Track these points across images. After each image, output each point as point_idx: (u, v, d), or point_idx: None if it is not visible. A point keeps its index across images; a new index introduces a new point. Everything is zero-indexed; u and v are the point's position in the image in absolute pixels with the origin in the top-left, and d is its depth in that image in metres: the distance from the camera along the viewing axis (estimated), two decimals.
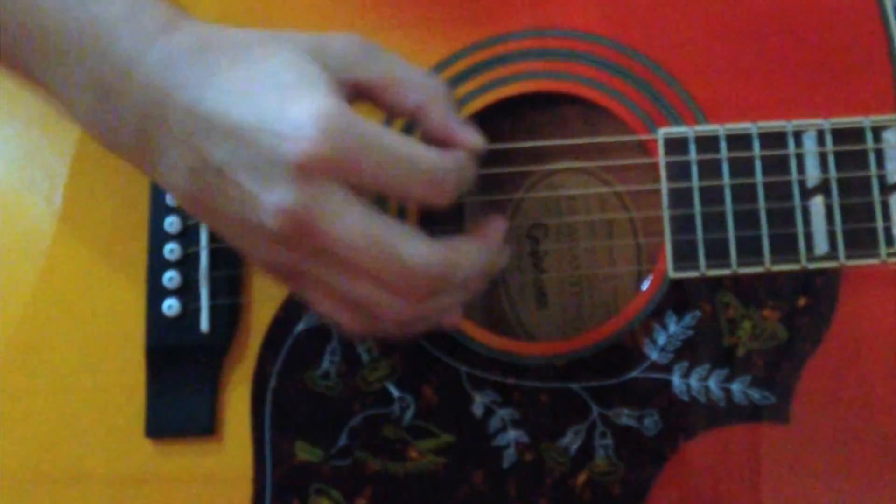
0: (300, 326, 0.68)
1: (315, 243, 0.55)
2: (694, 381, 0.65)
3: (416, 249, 0.57)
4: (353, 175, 0.55)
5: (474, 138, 0.62)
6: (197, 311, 0.68)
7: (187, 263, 0.69)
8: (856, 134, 0.64)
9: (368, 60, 0.61)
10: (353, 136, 0.55)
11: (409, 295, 0.58)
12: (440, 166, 0.58)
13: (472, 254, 0.61)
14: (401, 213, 0.68)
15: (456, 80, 0.69)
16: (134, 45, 0.58)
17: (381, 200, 0.67)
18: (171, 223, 0.69)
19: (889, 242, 0.63)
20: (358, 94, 0.61)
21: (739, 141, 0.65)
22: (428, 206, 0.59)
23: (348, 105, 0.56)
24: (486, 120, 0.72)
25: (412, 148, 0.57)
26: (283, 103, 0.55)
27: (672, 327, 0.65)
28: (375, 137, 0.56)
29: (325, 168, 0.54)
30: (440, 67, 0.69)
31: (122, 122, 0.59)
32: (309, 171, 0.54)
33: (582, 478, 0.65)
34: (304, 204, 0.54)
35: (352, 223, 0.55)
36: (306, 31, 0.61)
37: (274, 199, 0.54)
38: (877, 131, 0.64)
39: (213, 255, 0.69)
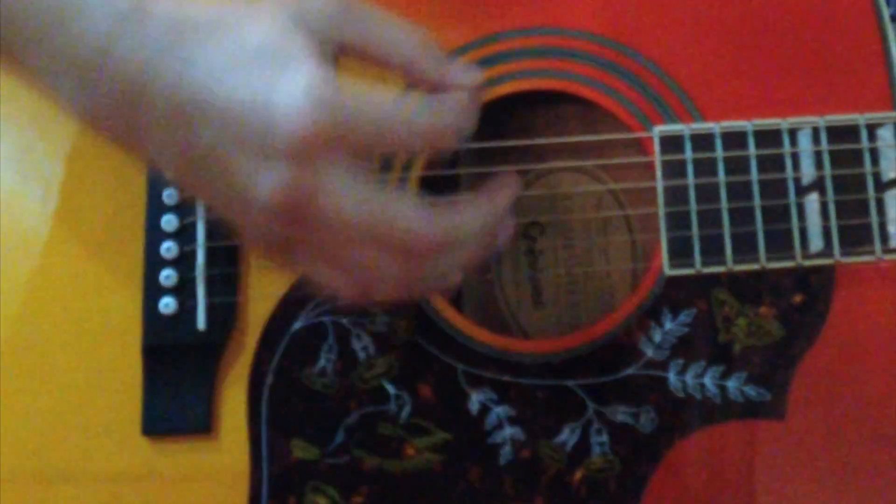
0: (297, 324, 0.68)
1: (315, 218, 0.54)
2: (690, 378, 0.65)
3: (418, 218, 0.56)
4: (351, 145, 0.54)
5: (470, 76, 0.61)
6: (193, 309, 0.68)
7: (184, 261, 0.69)
8: (851, 131, 0.64)
9: (350, 19, 0.59)
10: (347, 106, 0.54)
11: (410, 258, 0.57)
12: (437, 119, 0.58)
13: (475, 218, 0.60)
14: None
15: None
16: (106, 28, 0.55)
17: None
18: (168, 221, 0.69)
19: (884, 239, 0.64)
20: (344, 52, 0.59)
21: (735, 139, 0.65)
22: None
23: (336, 72, 0.55)
24: (483, 118, 0.72)
25: (406, 109, 0.56)
26: (271, 78, 0.53)
27: (668, 324, 0.66)
28: (369, 104, 0.55)
29: (322, 143, 0.53)
30: None
31: (102, 106, 0.57)
32: (305, 147, 0.52)
33: (578, 475, 0.65)
34: (302, 181, 0.53)
35: (351, 199, 0.54)
36: None
37: (271, 177, 0.53)
38: (871, 129, 0.64)
39: (210, 253, 0.69)
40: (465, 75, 0.61)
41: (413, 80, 0.61)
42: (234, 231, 0.59)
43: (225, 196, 0.56)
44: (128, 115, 0.57)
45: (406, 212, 0.56)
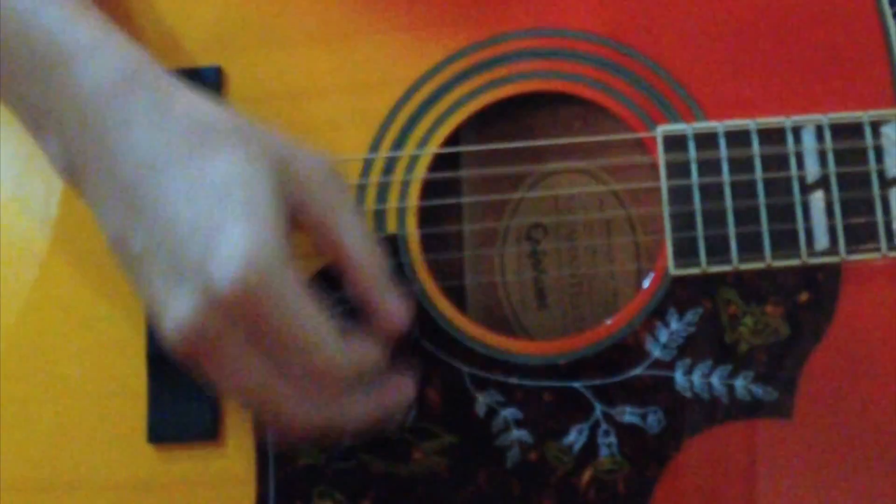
0: None
1: (208, 360, 0.56)
2: (696, 378, 0.65)
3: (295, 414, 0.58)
4: (255, 325, 0.55)
5: (402, 316, 0.62)
6: None
7: None
8: (854, 129, 0.65)
9: (326, 196, 0.60)
10: (275, 291, 0.54)
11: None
12: (340, 363, 0.58)
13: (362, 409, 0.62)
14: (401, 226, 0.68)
15: (455, 81, 0.69)
16: (96, 84, 0.58)
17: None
18: None
19: (889, 237, 0.64)
20: (301, 218, 0.60)
21: (738, 137, 0.65)
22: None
23: (285, 242, 0.55)
24: (485, 120, 0.72)
25: (322, 332, 0.57)
26: (222, 222, 0.54)
27: (674, 324, 0.65)
28: (294, 301, 0.55)
29: (233, 307, 0.54)
30: (439, 68, 0.69)
31: (67, 150, 0.60)
32: (217, 302, 0.54)
33: (586, 476, 0.65)
34: (204, 329, 0.55)
35: (240, 367, 0.56)
36: (282, 135, 0.60)
37: (178, 310, 0.55)
38: (875, 126, 0.64)
39: None
40: (398, 312, 0.62)
41: (349, 284, 0.62)
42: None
43: (143, 294, 0.58)
44: (83, 166, 0.59)
45: (288, 408, 0.58)
